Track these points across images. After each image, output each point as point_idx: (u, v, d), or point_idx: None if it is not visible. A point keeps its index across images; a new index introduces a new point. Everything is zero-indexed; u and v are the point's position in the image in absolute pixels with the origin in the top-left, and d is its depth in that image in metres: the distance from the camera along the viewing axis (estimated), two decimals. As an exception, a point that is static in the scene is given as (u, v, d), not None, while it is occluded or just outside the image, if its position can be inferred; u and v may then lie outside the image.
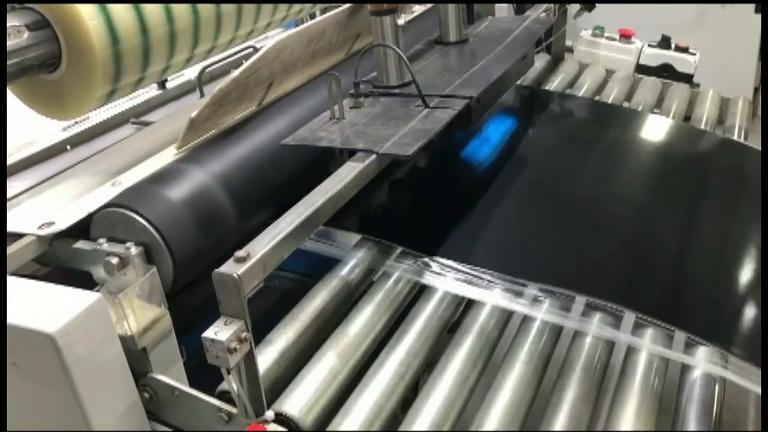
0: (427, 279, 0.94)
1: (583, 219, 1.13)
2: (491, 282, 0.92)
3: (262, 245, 0.69)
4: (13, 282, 0.72)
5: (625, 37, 1.80)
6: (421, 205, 1.14)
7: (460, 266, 0.94)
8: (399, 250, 0.98)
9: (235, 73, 0.96)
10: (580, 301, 0.91)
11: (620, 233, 1.10)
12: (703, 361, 0.84)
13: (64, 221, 0.81)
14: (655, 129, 1.46)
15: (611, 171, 1.28)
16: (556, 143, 1.39)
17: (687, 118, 1.57)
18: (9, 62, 0.80)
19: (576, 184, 1.22)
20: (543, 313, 0.90)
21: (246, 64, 0.97)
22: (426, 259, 0.95)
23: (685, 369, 0.86)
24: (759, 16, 2.62)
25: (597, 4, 1.74)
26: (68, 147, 1.18)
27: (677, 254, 1.05)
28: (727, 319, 0.94)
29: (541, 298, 0.91)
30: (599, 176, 1.26)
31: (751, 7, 2.67)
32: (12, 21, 0.81)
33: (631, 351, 0.87)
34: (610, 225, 1.12)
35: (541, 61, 1.73)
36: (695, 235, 1.10)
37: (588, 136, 1.43)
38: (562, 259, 1.01)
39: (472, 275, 0.93)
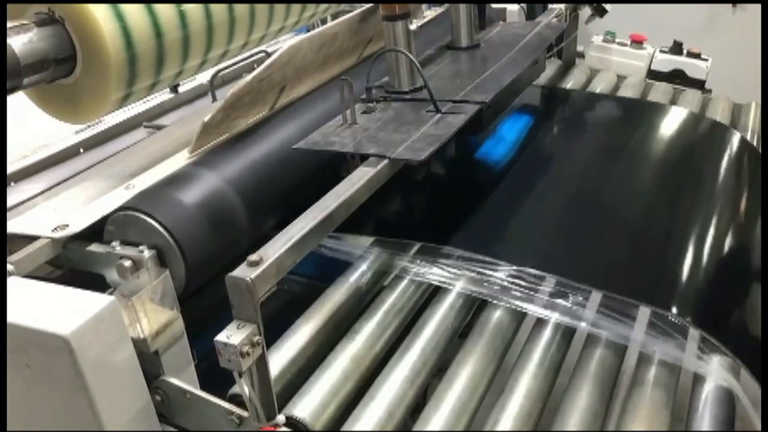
0: (439, 279, 0.94)
1: (601, 212, 1.12)
2: (507, 279, 0.92)
3: (275, 249, 0.70)
4: (27, 284, 0.73)
5: (637, 42, 1.79)
6: (433, 204, 1.15)
7: (473, 256, 0.94)
8: (410, 252, 0.98)
9: (249, 77, 0.96)
10: (596, 296, 0.90)
11: (638, 227, 1.08)
12: (715, 371, 0.84)
13: (78, 224, 0.81)
14: (673, 121, 1.46)
15: (629, 164, 1.27)
16: (571, 138, 1.39)
17: (699, 124, 1.56)
18: (26, 67, 0.80)
19: (593, 177, 1.22)
20: (555, 315, 0.90)
21: (259, 69, 0.97)
22: (438, 260, 0.95)
23: (697, 377, 0.85)
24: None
25: (608, 11, 1.73)
26: (81, 150, 1.19)
27: (700, 252, 1.04)
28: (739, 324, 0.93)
29: (557, 291, 0.91)
30: (616, 170, 1.25)
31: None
32: (28, 30, 0.81)
33: (643, 358, 0.87)
34: (627, 218, 1.11)
35: (552, 66, 1.73)
36: (718, 232, 1.09)
37: (604, 131, 1.43)
38: (578, 252, 1.01)
39: (486, 266, 0.93)
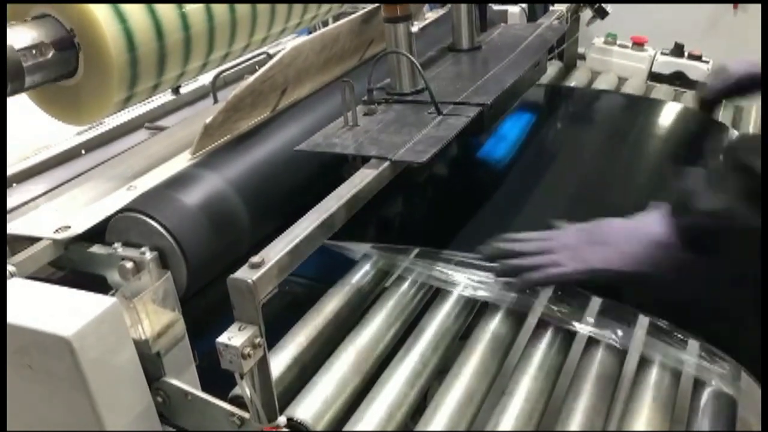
0: (440, 281, 0.94)
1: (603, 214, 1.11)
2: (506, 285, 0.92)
3: (277, 251, 0.70)
4: (28, 285, 0.73)
5: (638, 44, 1.79)
6: (433, 209, 1.15)
7: (474, 260, 0.94)
8: (411, 254, 0.98)
9: (250, 79, 0.96)
10: (596, 300, 0.90)
11: None
12: (716, 374, 0.83)
13: (80, 225, 0.82)
14: (674, 117, 1.46)
15: (631, 165, 1.27)
16: (571, 139, 1.39)
17: (700, 125, 1.56)
18: (29, 74, 0.80)
19: (595, 179, 1.21)
20: (554, 321, 0.90)
21: (261, 70, 0.97)
22: (439, 262, 0.95)
23: (698, 381, 0.85)
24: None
25: (610, 13, 1.74)
26: (83, 151, 1.19)
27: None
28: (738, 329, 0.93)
29: (557, 296, 0.91)
30: (619, 171, 1.25)
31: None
32: (31, 31, 0.82)
33: (644, 360, 0.87)
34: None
35: (553, 68, 1.73)
36: None
37: (605, 130, 1.43)
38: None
39: (486, 271, 0.93)
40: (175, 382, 0.75)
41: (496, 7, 1.63)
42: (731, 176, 0.79)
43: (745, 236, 0.77)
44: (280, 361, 0.80)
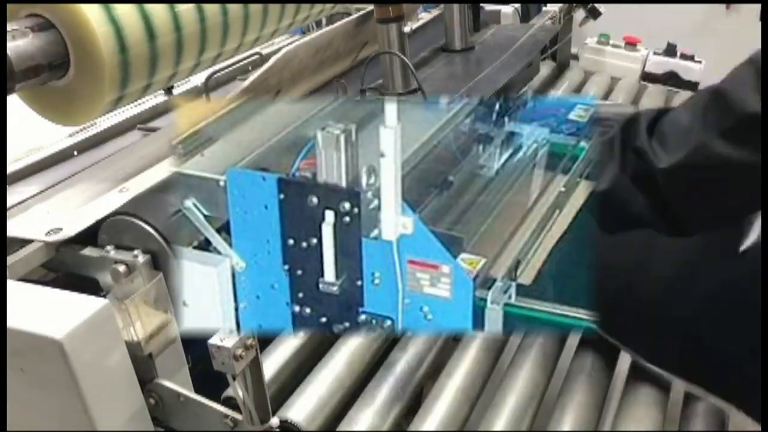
0: None
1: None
2: None
3: (268, 252, 0.70)
4: (20, 287, 0.73)
5: (631, 44, 1.80)
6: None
7: None
8: None
9: (245, 82, 0.96)
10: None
11: None
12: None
13: (71, 228, 0.81)
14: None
15: None
16: None
17: (692, 125, 1.57)
18: (18, 70, 0.80)
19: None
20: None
21: (255, 75, 0.97)
22: None
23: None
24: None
25: (603, 13, 1.74)
26: (75, 153, 1.18)
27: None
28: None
29: None
30: None
31: (756, 13, 2.67)
32: (20, 27, 0.81)
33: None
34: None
35: (546, 68, 1.73)
36: None
37: None
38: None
39: None
40: (167, 383, 0.74)
41: (489, 7, 1.63)
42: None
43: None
44: (273, 362, 0.80)
